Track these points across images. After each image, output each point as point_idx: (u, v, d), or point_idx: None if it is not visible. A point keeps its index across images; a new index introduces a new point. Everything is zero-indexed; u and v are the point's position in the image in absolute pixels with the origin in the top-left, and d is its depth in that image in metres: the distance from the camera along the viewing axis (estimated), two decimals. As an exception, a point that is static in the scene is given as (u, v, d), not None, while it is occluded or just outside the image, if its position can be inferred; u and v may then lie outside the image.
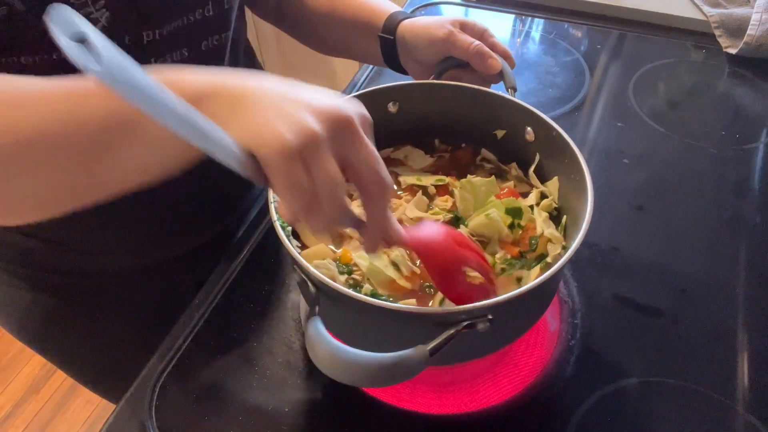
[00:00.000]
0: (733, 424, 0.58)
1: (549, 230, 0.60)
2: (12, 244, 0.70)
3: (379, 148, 0.44)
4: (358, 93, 0.65)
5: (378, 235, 0.44)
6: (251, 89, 0.39)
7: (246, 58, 0.77)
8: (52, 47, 0.50)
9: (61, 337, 0.80)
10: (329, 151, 0.38)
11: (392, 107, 0.68)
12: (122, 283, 0.76)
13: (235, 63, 0.72)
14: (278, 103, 0.38)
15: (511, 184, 0.67)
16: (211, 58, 0.66)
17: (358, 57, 0.81)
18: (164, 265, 0.76)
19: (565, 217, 0.62)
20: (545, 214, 0.62)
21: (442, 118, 0.69)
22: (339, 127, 0.38)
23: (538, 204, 0.63)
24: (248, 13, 0.81)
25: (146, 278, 0.76)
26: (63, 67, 0.51)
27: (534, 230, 0.61)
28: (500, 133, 0.68)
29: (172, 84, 0.36)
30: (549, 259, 0.58)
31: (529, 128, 0.64)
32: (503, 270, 0.58)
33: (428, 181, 0.66)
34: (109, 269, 0.74)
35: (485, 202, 0.63)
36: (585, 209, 0.52)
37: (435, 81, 0.68)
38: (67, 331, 0.79)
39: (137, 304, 0.78)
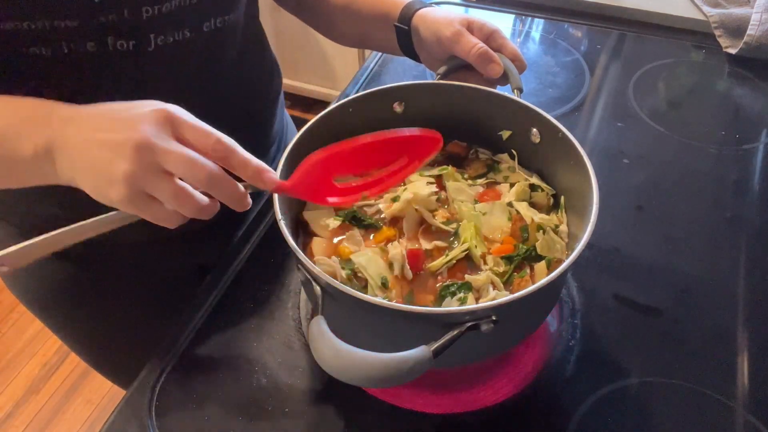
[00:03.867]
0: (733, 424, 0.59)
1: (538, 216, 0.61)
2: (30, 213, 0.70)
3: None
4: (365, 93, 0.65)
5: (254, 178, 0.47)
6: (71, 134, 0.45)
7: (257, 47, 0.77)
8: (64, 38, 0.52)
9: (70, 310, 0.81)
10: (166, 144, 0.43)
11: (398, 107, 0.68)
12: (130, 257, 0.76)
13: (243, 49, 0.71)
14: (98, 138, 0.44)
15: (503, 175, 0.68)
16: (215, 40, 0.65)
17: (375, 47, 0.81)
18: (172, 242, 0.76)
19: (562, 197, 0.63)
20: (525, 204, 0.63)
21: (447, 119, 0.69)
22: (160, 123, 0.44)
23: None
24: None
25: (154, 254, 0.76)
26: (71, 60, 0.53)
27: (522, 220, 0.61)
28: (506, 134, 0.68)
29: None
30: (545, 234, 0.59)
31: (534, 129, 0.64)
32: (505, 272, 0.58)
33: (432, 172, 0.67)
34: (121, 240, 0.75)
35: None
36: (590, 210, 0.52)
37: (441, 81, 0.68)
38: (76, 304, 0.80)
39: (144, 281, 0.79)
